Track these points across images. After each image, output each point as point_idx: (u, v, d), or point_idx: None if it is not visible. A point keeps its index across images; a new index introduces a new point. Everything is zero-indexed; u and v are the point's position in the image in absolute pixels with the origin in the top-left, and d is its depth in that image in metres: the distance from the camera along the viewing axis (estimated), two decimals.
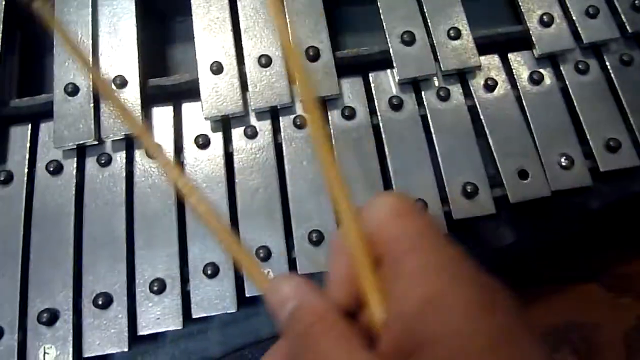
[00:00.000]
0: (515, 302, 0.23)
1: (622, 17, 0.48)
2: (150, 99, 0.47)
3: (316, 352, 0.23)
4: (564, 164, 0.44)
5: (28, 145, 0.46)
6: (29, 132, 0.46)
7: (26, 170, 0.45)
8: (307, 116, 0.39)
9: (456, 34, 0.47)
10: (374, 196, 0.27)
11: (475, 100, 0.47)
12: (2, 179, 0.44)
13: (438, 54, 0.47)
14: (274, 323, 0.44)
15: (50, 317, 0.40)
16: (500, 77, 0.48)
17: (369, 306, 0.24)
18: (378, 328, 0.24)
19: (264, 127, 0.46)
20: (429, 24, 0.47)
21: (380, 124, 0.46)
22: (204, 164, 0.45)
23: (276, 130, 0.46)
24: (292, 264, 0.42)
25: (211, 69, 0.46)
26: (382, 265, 0.25)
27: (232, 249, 0.30)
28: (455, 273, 0.23)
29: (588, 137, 0.45)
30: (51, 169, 0.45)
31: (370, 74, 0.48)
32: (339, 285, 0.26)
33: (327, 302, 0.25)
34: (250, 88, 0.46)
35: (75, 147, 0.45)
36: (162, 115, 0.47)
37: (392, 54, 0.47)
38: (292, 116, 0.46)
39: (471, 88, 0.47)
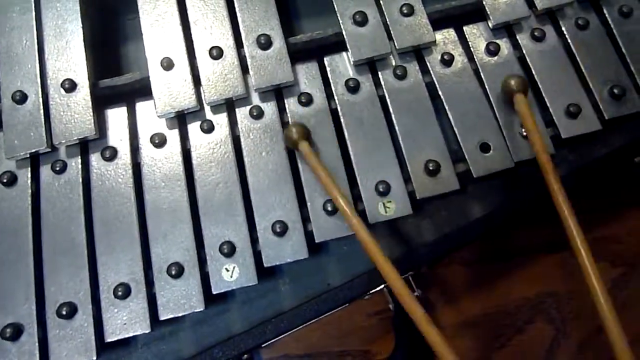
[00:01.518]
0: None
1: None
2: (102, 100, 0.46)
3: None
4: (525, 134, 0.44)
5: None
6: None
7: None
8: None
9: (409, 11, 0.46)
10: None
11: (433, 76, 0.46)
12: None
13: (392, 32, 0.46)
14: (247, 318, 0.44)
15: (14, 332, 0.39)
16: (457, 51, 0.47)
17: None
18: None
19: (220, 120, 0.45)
20: (381, 2, 0.47)
21: (338, 108, 0.45)
22: (161, 162, 0.44)
23: (233, 122, 0.45)
24: (257, 257, 0.41)
25: (162, 65, 0.45)
26: None
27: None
28: None
29: (548, 104, 0.45)
30: (5, 180, 0.43)
31: (325, 58, 0.47)
32: None
33: None
34: (203, 81, 0.45)
35: (28, 156, 0.44)
36: (116, 116, 0.46)
37: (345, 36, 0.46)
38: (249, 107, 0.45)
39: (428, 64, 0.46)
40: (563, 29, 0.47)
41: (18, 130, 0.44)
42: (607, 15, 0.48)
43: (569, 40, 0.47)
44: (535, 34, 0.47)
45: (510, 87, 0.42)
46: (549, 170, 0.36)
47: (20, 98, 0.44)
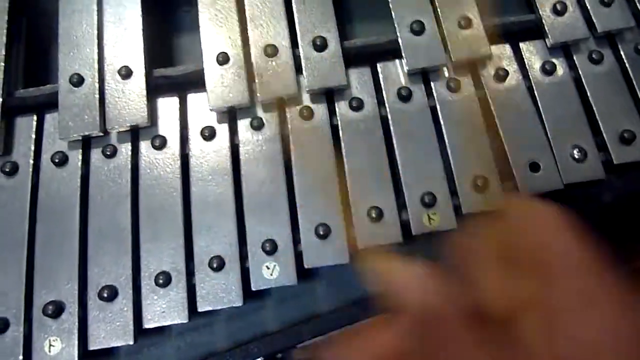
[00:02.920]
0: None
1: (638, 5, 0.47)
2: (155, 89, 0.47)
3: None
4: (576, 156, 0.43)
5: (33, 136, 0.45)
6: (34, 123, 0.46)
7: (31, 161, 0.45)
8: None
9: (467, 23, 0.46)
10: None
11: (486, 91, 0.46)
12: (7, 170, 0.44)
13: (448, 43, 0.46)
14: (281, 317, 0.44)
15: (56, 310, 0.40)
16: (512, 67, 0.47)
17: None
18: None
19: (270, 118, 0.45)
20: (439, 13, 0.46)
21: (389, 116, 0.45)
22: (209, 155, 0.45)
23: (283, 121, 0.45)
24: (298, 258, 0.42)
25: (217, 60, 0.45)
26: None
27: None
28: None
29: (601, 128, 0.44)
30: (56, 160, 0.44)
31: (378, 64, 0.47)
32: None
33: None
34: (256, 79, 0.45)
35: (80, 138, 0.45)
36: (168, 106, 0.46)
37: (401, 44, 0.46)
38: (299, 107, 0.45)
39: (482, 78, 0.46)
40: (621, 53, 0.47)
41: (73, 112, 0.45)
42: None
43: (627, 65, 0.46)
44: (593, 56, 0.46)
45: None
46: None
47: (77, 81, 0.45)
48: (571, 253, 0.27)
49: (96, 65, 0.46)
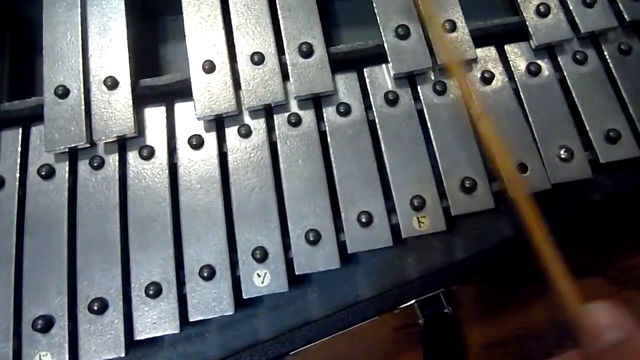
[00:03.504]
0: None
1: (620, 5, 0.48)
2: (142, 99, 0.47)
3: None
4: (563, 156, 0.44)
5: (19, 149, 0.45)
6: (20, 136, 0.46)
7: (18, 174, 0.44)
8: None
9: (451, 27, 0.46)
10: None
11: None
12: None
13: (434, 47, 0.46)
14: (273, 324, 0.44)
15: (46, 324, 0.40)
16: (497, 70, 0.47)
17: None
18: None
19: (258, 125, 0.45)
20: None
21: (376, 120, 0.45)
22: (198, 164, 0.44)
23: (270, 128, 0.45)
24: (289, 264, 0.41)
25: (203, 68, 0.45)
26: None
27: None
28: None
29: (587, 128, 0.45)
30: (43, 173, 0.44)
31: (365, 69, 0.47)
32: None
33: None
34: (243, 86, 0.45)
35: (67, 150, 0.44)
36: (155, 115, 0.46)
37: (386, 49, 0.46)
38: (287, 114, 0.45)
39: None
40: (605, 53, 0.47)
41: (59, 124, 0.44)
42: None
43: (611, 65, 0.47)
44: (577, 56, 0.47)
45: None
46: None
47: (63, 93, 0.45)
48: None
49: (81, 77, 0.46)
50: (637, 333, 0.27)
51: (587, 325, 0.29)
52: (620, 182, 0.46)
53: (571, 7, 0.47)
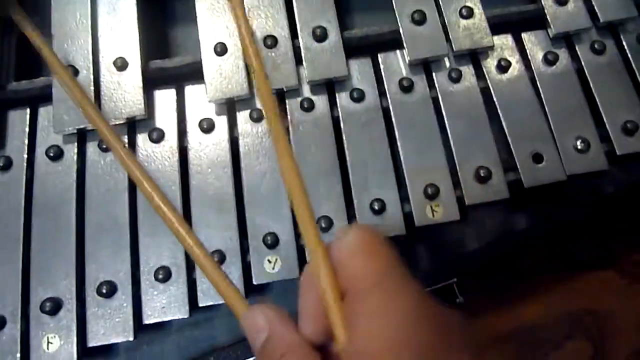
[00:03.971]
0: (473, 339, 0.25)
1: None
2: (152, 81, 0.46)
3: None
4: (579, 147, 0.43)
5: (27, 130, 0.44)
6: (28, 116, 0.45)
7: (25, 155, 0.44)
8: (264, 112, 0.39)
9: (468, 13, 0.45)
10: (344, 229, 0.28)
11: (488, 81, 0.45)
12: (1, 164, 0.43)
13: (450, 33, 0.45)
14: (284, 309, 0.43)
15: (54, 306, 0.39)
16: (514, 58, 0.46)
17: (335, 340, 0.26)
18: None
19: None
20: (440, 2, 0.46)
21: (390, 107, 0.44)
22: (208, 148, 0.44)
23: (283, 113, 0.45)
24: (300, 251, 0.41)
25: (215, 51, 0.44)
26: (346, 301, 0.26)
27: (207, 272, 0.32)
28: (414, 317, 0.24)
29: (604, 119, 0.44)
30: (51, 154, 0.43)
31: (379, 55, 0.46)
32: (309, 319, 0.28)
33: (298, 335, 0.27)
34: None
35: (75, 131, 0.44)
36: (165, 98, 0.46)
37: (402, 34, 0.45)
38: (299, 99, 0.45)
39: (484, 69, 0.46)
40: (624, 43, 0.46)
41: (67, 105, 0.44)
42: None
43: (629, 55, 0.46)
44: (596, 46, 0.46)
45: None
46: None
47: (72, 73, 0.44)
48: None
49: (91, 57, 0.45)
50: (281, 329, 0.27)
51: (248, 329, 0.29)
52: (634, 174, 0.46)
53: None
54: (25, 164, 0.43)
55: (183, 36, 0.53)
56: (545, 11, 0.46)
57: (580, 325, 0.49)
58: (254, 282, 0.40)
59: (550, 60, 0.46)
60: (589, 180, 0.44)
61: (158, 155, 0.44)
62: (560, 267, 0.51)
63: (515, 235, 0.44)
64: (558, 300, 0.50)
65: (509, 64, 0.45)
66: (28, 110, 0.45)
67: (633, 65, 0.46)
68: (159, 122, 0.45)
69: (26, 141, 0.44)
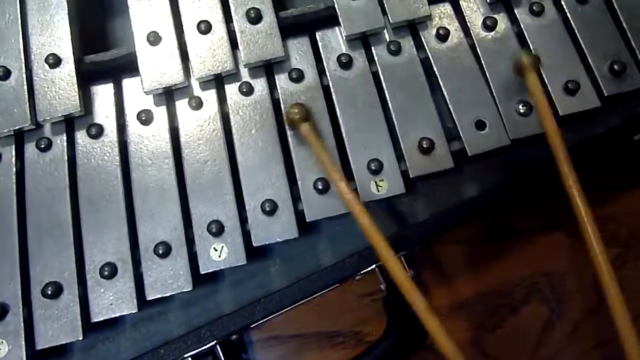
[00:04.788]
0: None
1: None
2: (88, 76, 0.45)
3: None
4: (522, 111, 0.43)
5: None
6: None
7: None
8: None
9: None
10: None
11: (428, 52, 0.45)
12: None
13: (386, 6, 0.44)
14: (236, 299, 0.43)
15: None
16: (453, 26, 0.46)
17: None
18: None
19: (209, 96, 0.44)
20: None
21: (330, 84, 0.44)
22: (148, 140, 0.43)
23: (222, 99, 0.44)
24: (246, 237, 0.41)
25: (148, 40, 0.44)
26: None
27: None
28: None
29: (546, 81, 0.44)
30: None
31: (317, 33, 0.45)
32: None
33: None
34: (191, 57, 0.44)
35: (12, 133, 0.43)
36: (103, 92, 0.45)
37: (337, 10, 0.44)
38: (238, 83, 0.44)
39: (423, 40, 0.45)
40: (562, 3, 0.46)
41: (1, 107, 0.43)
42: None
43: (569, 15, 0.45)
44: (534, 8, 0.45)
45: (523, 64, 0.40)
46: (558, 148, 0.36)
47: (4, 74, 0.43)
48: None
49: (22, 56, 0.44)
50: None
51: None
52: (580, 134, 0.46)
53: None
54: None
55: (122, 29, 0.51)
56: None
57: (534, 289, 0.49)
58: (201, 271, 0.40)
59: (489, 25, 0.45)
60: (535, 144, 0.43)
61: (98, 151, 0.43)
62: (512, 233, 0.51)
63: (464, 204, 0.44)
64: (511, 265, 0.50)
65: (448, 32, 0.45)
66: None
67: (573, 24, 0.45)
68: (98, 118, 0.44)
69: None
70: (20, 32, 0.44)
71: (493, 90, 0.44)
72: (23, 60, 0.44)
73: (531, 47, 0.45)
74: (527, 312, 0.49)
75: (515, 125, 0.43)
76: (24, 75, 0.43)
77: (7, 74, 0.43)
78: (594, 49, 0.44)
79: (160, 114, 0.44)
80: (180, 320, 0.43)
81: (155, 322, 0.43)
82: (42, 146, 0.43)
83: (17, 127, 0.42)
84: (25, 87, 0.43)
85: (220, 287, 0.44)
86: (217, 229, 0.40)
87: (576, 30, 0.45)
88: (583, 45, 0.45)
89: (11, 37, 0.44)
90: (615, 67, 0.43)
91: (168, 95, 0.44)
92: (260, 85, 0.44)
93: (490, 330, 0.48)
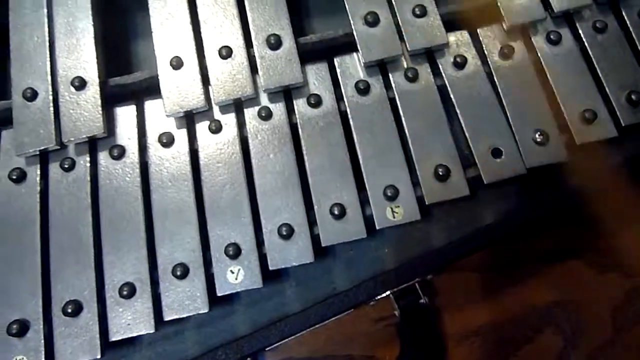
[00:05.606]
0: None
1: None
2: (112, 98, 0.46)
3: None
4: (538, 139, 0.43)
5: None
6: None
7: None
8: None
9: (422, 12, 0.45)
10: None
11: (445, 79, 0.45)
12: None
13: (404, 33, 0.45)
14: (252, 321, 0.44)
15: (21, 328, 0.40)
16: (470, 54, 0.46)
17: None
18: None
19: (228, 120, 0.45)
20: (393, 3, 0.46)
21: (348, 110, 0.45)
22: (169, 162, 0.44)
23: (241, 123, 0.45)
24: (263, 260, 0.41)
25: (171, 64, 0.45)
26: None
27: None
28: None
29: (563, 110, 0.44)
30: (14, 177, 0.44)
31: (335, 59, 0.46)
32: None
33: None
34: (212, 81, 0.45)
35: (37, 153, 0.44)
36: (125, 114, 0.46)
37: (356, 37, 0.45)
38: (257, 108, 0.45)
39: (440, 67, 0.46)
40: (580, 32, 0.46)
41: (28, 127, 0.44)
42: (626, 18, 0.46)
43: (586, 44, 0.46)
44: (551, 37, 0.46)
45: None
46: None
47: (31, 95, 0.44)
48: None
49: (49, 78, 0.45)
50: None
51: None
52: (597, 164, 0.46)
53: None
54: None
55: (145, 51, 0.53)
56: (499, 4, 0.46)
57: (549, 319, 0.49)
58: (218, 293, 0.41)
59: (506, 53, 0.45)
60: (550, 172, 0.44)
61: (119, 172, 0.44)
62: (527, 261, 0.51)
63: (479, 231, 0.44)
64: (526, 293, 0.50)
65: (465, 60, 0.45)
66: None
67: (590, 53, 0.45)
68: (120, 139, 0.45)
69: None
70: (48, 55, 0.46)
71: (510, 118, 0.44)
72: (50, 82, 0.45)
73: (548, 75, 0.45)
74: (541, 342, 0.48)
75: (531, 153, 0.43)
76: (50, 97, 0.45)
77: (34, 95, 0.45)
78: (612, 78, 0.45)
79: (180, 136, 0.45)
80: (195, 340, 0.44)
81: (171, 342, 0.44)
82: (66, 166, 0.44)
83: (42, 147, 0.44)
84: (52, 108, 0.44)
85: (236, 307, 0.44)
86: (234, 252, 0.41)
87: (594, 60, 0.45)
88: (600, 75, 0.45)
89: (39, 60, 0.46)
90: (633, 97, 0.43)
91: (189, 118, 0.45)
92: (278, 110, 0.45)
93: (504, 359, 0.48)
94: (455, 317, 0.49)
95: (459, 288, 0.50)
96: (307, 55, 0.46)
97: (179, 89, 0.44)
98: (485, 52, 0.46)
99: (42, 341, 0.40)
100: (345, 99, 0.45)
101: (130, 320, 0.40)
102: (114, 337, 0.40)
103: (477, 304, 0.49)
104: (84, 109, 0.44)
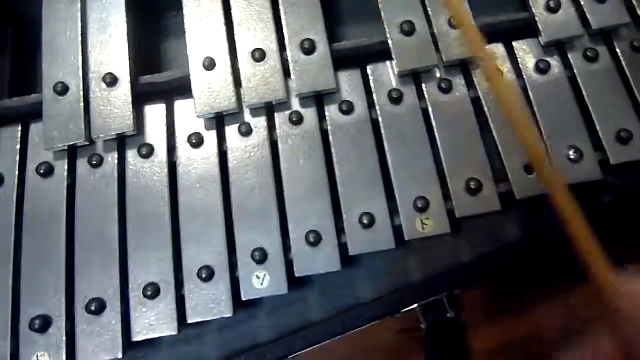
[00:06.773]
0: None
1: (633, 1, 0.46)
2: (142, 97, 0.46)
3: None
4: (572, 157, 0.42)
5: (18, 147, 0.45)
6: (19, 133, 0.45)
7: (17, 172, 0.44)
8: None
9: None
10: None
11: (479, 91, 0.45)
12: None
13: (439, 44, 0.45)
14: (273, 326, 0.43)
15: (43, 324, 0.39)
16: (505, 67, 0.46)
17: None
18: None
19: (259, 124, 0.44)
20: (430, 12, 0.45)
21: (380, 119, 0.44)
22: (197, 163, 0.44)
23: (271, 127, 0.45)
24: (289, 266, 0.41)
25: (203, 65, 0.44)
26: None
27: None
28: None
29: (598, 128, 0.43)
30: (42, 171, 0.43)
31: (368, 67, 0.46)
32: None
33: None
34: (244, 84, 0.44)
35: (66, 148, 0.44)
36: (155, 113, 0.46)
37: (391, 45, 0.45)
38: (288, 112, 0.44)
39: (474, 79, 0.45)
40: (617, 50, 0.46)
41: (58, 122, 0.44)
42: None
43: (623, 63, 0.45)
44: (588, 54, 0.45)
45: None
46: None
47: (62, 90, 0.44)
48: None
49: (81, 73, 0.45)
50: None
51: (626, 302, 0.25)
52: (631, 184, 0.45)
53: (582, 3, 0.46)
54: (16, 181, 0.44)
55: (176, 50, 0.53)
56: (537, 19, 0.46)
57: (575, 336, 0.48)
58: (243, 298, 0.40)
59: (542, 68, 0.45)
60: (584, 190, 0.43)
61: (147, 171, 0.44)
62: (554, 279, 0.50)
63: (507, 249, 0.43)
64: (552, 312, 0.49)
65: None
66: (19, 127, 0.45)
67: (627, 72, 0.45)
68: (149, 138, 0.45)
69: (17, 158, 0.44)
70: (80, 50, 0.46)
71: (543, 133, 0.43)
72: (81, 78, 0.45)
73: (583, 93, 0.44)
74: None
75: (564, 170, 0.42)
76: (81, 93, 0.44)
77: (65, 90, 0.44)
78: None
79: (210, 137, 0.44)
80: (216, 344, 0.44)
81: (191, 344, 0.43)
82: (94, 163, 0.44)
83: (72, 143, 0.43)
84: (82, 104, 0.44)
85: (258, 312, 0.44)
86: (260, 257, 0.40)
87: (630, 79, 0.45)
88: (637, 94, 0.44)
89: (71, 55, 0.46)
90: None
91: (219, 120, 0.45)
92: (310, 115, 0.45)
93: None
94: (482, 333, 0.48)
95: (486, 304, 0.49)
96: (340, 61, 0.45)
97: (210, 90, 0.44)
98: (521, 66, 0.46)
99: (64, 338, 0.40)
100: (377, 107, 0.44)
101: (154, 321, 0.40)
102: (137, 337, 0.40)
103: (503, 321, 0.49)
104: (115, 106, 0.44)
